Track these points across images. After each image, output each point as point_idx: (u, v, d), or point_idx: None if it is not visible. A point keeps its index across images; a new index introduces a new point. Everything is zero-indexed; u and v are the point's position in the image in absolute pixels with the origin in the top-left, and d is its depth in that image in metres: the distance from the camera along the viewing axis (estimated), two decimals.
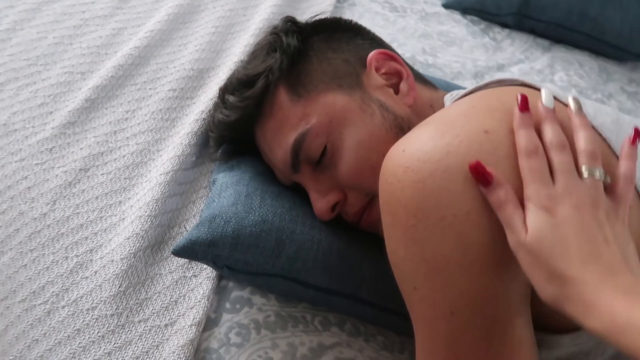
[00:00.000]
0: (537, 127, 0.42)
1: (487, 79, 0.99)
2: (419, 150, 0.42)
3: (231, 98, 0.61)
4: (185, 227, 0.63)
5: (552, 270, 0.36)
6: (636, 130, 0.43)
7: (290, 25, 0.61)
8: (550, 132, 0.41)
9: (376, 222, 0.58)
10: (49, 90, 0.78)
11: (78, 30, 0.89)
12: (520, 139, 0.40)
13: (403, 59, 0.62)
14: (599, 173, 0.40)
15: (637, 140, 0.43)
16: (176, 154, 0.69)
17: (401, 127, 0.56)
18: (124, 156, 0.71)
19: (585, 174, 0.40)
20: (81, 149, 0.71)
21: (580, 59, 1.11)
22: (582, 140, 0.41)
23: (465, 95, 0.53)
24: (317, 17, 0.65)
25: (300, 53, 0.60)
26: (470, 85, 0.95)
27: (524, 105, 0.42)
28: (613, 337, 0.33)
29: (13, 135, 0.71)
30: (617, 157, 0.44)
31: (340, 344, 0.58)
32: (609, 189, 0.41)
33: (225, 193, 0.60)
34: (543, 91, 0.43)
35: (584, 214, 0.38)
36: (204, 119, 0.74)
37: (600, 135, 0.45)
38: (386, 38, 0.70)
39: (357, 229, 0.60)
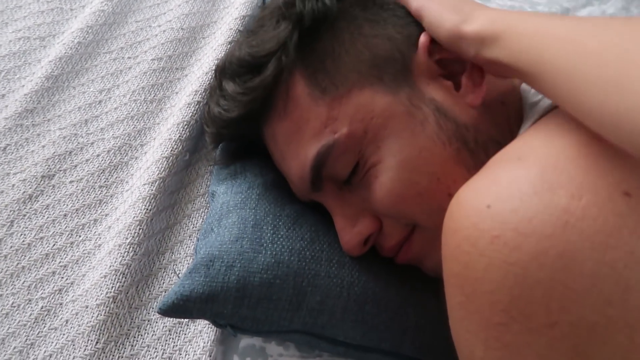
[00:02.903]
0: None
1: None
2: (517, 212, 0.28)
3: (230, 86, 0.45)
4: (174, 270, 0.50)
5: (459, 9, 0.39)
6: None
7: None
8: None
9: (419, 256, 0.45)
10: None
11: None
12: None
13: None
14: None
15: None
16: (163, 155, 0.54)
17: (465, 141, 0.41)
18: (98, 155, 0.56)
19: None
20: (43, 146, 0.56)
21: None
22: None
23: (550, 111, 0.37)
24: None
25: (327, 22, 0.43)
26: None
27: None
28: (492, 43, 0.36)
29: None
30: None
31: None
32: None
33: (227, 220, 0.46)
34: None
35: None
36: (198, 102, 0.58)
37: None
38: None
39: (393, 262, 0.46)
